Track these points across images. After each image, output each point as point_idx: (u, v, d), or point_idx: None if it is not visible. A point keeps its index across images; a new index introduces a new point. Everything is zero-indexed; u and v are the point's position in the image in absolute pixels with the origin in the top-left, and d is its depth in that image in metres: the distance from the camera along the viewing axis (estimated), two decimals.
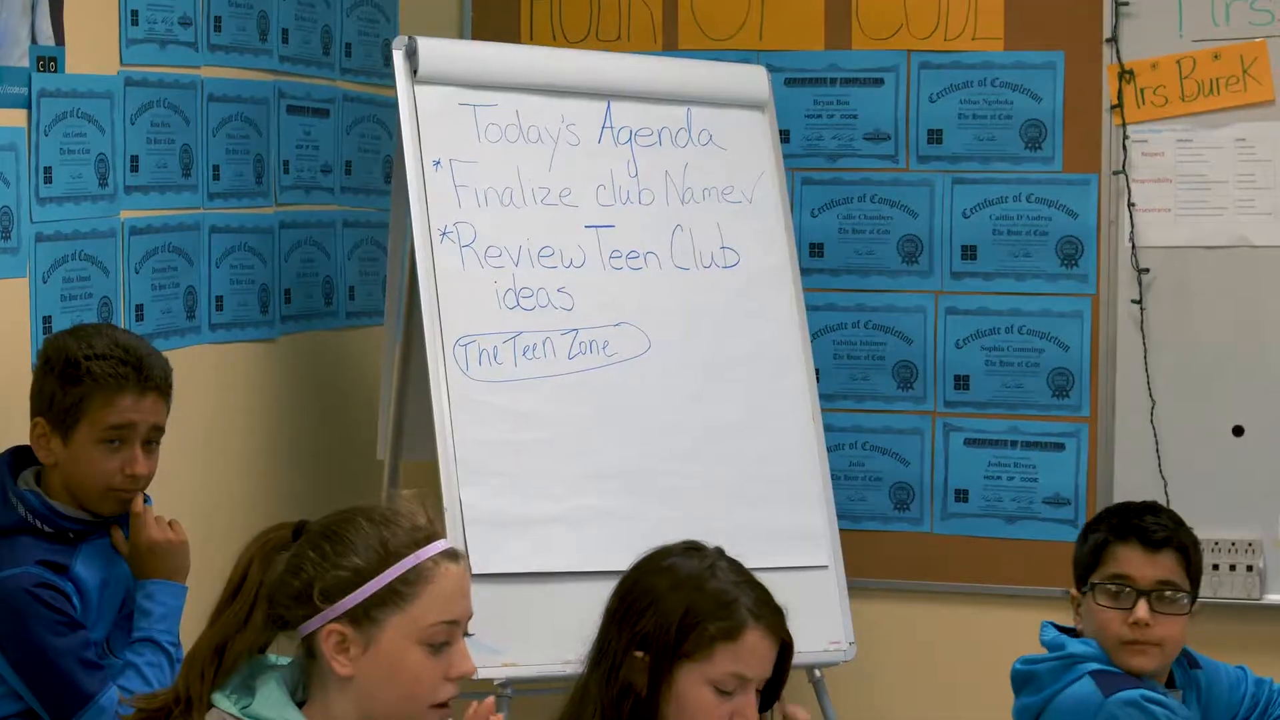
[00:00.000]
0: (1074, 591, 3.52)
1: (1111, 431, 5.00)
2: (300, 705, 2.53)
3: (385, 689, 2.50)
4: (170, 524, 3.46)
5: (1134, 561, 3.43)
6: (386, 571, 2.50)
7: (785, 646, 2.93)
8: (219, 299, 4.43)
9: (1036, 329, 5.06)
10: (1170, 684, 3.49)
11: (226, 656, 2.50)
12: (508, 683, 4.12)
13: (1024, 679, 3.49)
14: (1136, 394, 4.96)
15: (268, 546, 2.56)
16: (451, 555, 2.55)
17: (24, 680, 3.29)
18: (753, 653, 2.88)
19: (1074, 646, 3.44)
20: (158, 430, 3.42)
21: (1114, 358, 4.99)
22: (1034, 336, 5.06)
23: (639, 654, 2.86)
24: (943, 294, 5.12)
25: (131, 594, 3.44)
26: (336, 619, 2.49)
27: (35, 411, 3.38)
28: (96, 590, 3.39)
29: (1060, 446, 5.05)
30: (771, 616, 2.91)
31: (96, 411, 3.34)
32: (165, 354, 3.52)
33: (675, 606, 2.86)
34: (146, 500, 3.50)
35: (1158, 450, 4.94)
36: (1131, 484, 4.95)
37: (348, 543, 2.51)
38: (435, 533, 2.56)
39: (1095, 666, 3.40)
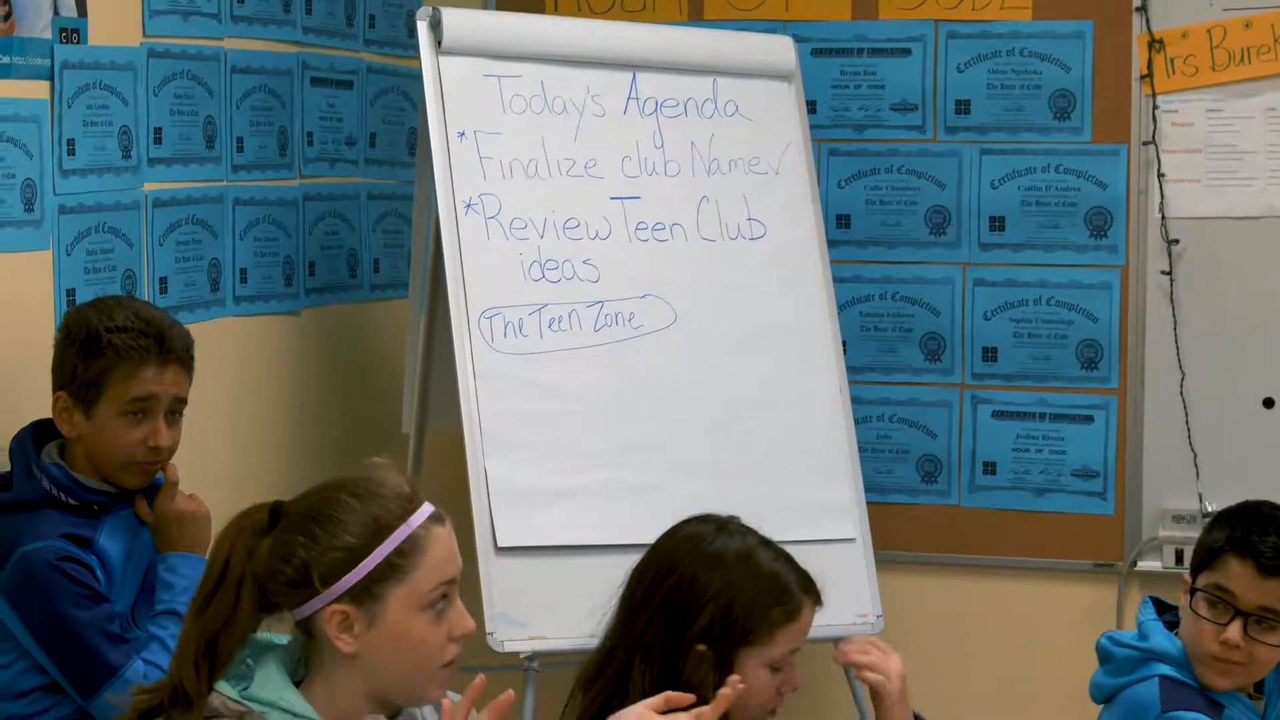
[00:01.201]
0: (1186, 577, 3.39)
1: (1141, 404, 4.97)
2: (298, 684, 2.51)
3: (393, 660, 2.49)
4: (190, 496, 3.46)
5: (1242, 580, 3.28)
6: (381, 546, 2.47)
7: None
8: (243, 271, 4.41)
9: (1065, 300, 5.03)
10: (1258, 689, 3.41)
11: (221, 650, 2.46)
12: (534, 656, 4.11)
13: (1105, 655, 3.42)
14: (1166, 366, 4.93)
15: (247, 531, 2.51)
16: (437, 518, 2.53)
17: (48, 654, 3.29)
18: (805, 627, 2.95)
19: (1157, 640, 3.36)
20: (180, 402, 3.41)
21: (1143, 329, 4.97)
22: (1063, 308, 5.03)
23: (701, 648, 2.85)
24: (971, 265, 5.09)
25: (154, 566, 3.43)
26: (337, 599, 2.46)
27: (57, 385, 3.37)
28: (120, 563, 3.38)
29: (1089, 419, 5.02)
30: (814, 588, 2.96)
31: (118, 384, 3.33)
32: (189, 327, 3.50)
33: (738, 599, 2.89)
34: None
35: (1187, 422, 4.91)
36: (1161, 456, 4.93)
37: (337, 522, 2.48)
38: (417, 499, 2.53)
39: (1167, 671, 3.32)
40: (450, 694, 2.63)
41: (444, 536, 2.52)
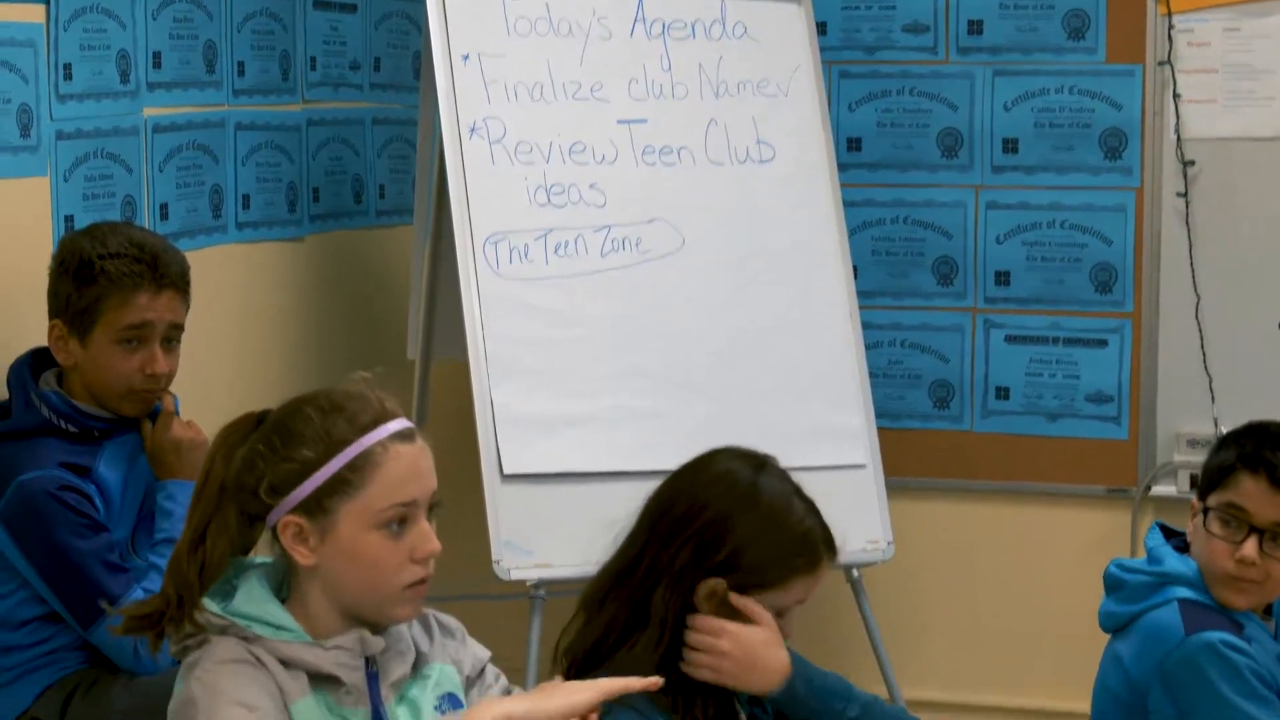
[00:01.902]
0: (1195, 501, 3.36)
1: (1155, 327, 4.93)
2: (284, 602, 2.51)
3: (349, 576, 2.49)
4: (188, 424, 3.43)
5: (1255, 496, 3.25)
6: (332, 461, 2.47)
7: None
8: (245, 198, 4.37)
9: (1079, 223, 4.98)
10: (1267, 611, 3.37)
11: (210, 552, 2.48)
12: (540, 584, 4.09)
13: (1115, 583, 3.39)
14: (1181, 289, 4.88)
15: (229, 440, 2.53)
16: (404, 436, 2.51)
17: (48, 584, 3.27)
18: (819, 581, 2.91)
19: (1170, 564, 3.32)
20: (176, 329, 3.38)
21: (1158, 252, 4.92)
22: (1076, 231, 4.99)
23: (718, 582, 2.84)
24: (983, 188, 5.04)
25: (152, 493, 3.40)
26: (291, 511, 2.47)
27: (52, 313, 3.35)
28: (119, 491, 3.37)
29: (1103, 343, 4.98)
30: (834, 544, 2.93)
31: (112, 311, 3.30)
32: (190, 254, 3.47)
33: (767, 544, 2.86)
34: (174, 401, 3.47)
35: (1202, 346, 4.87)
36: (1176, 381, 4.90)
37: (295, 434, 2.48)
38: (383, 415, 2.51)
39: (1185, 594, 3.28)
40: (432, 613, 2.61)
41: (406, 455, 2.50)
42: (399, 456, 2.48)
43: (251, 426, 2.53)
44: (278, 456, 2.47)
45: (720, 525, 2.86)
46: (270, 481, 2.47)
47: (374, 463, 2.47)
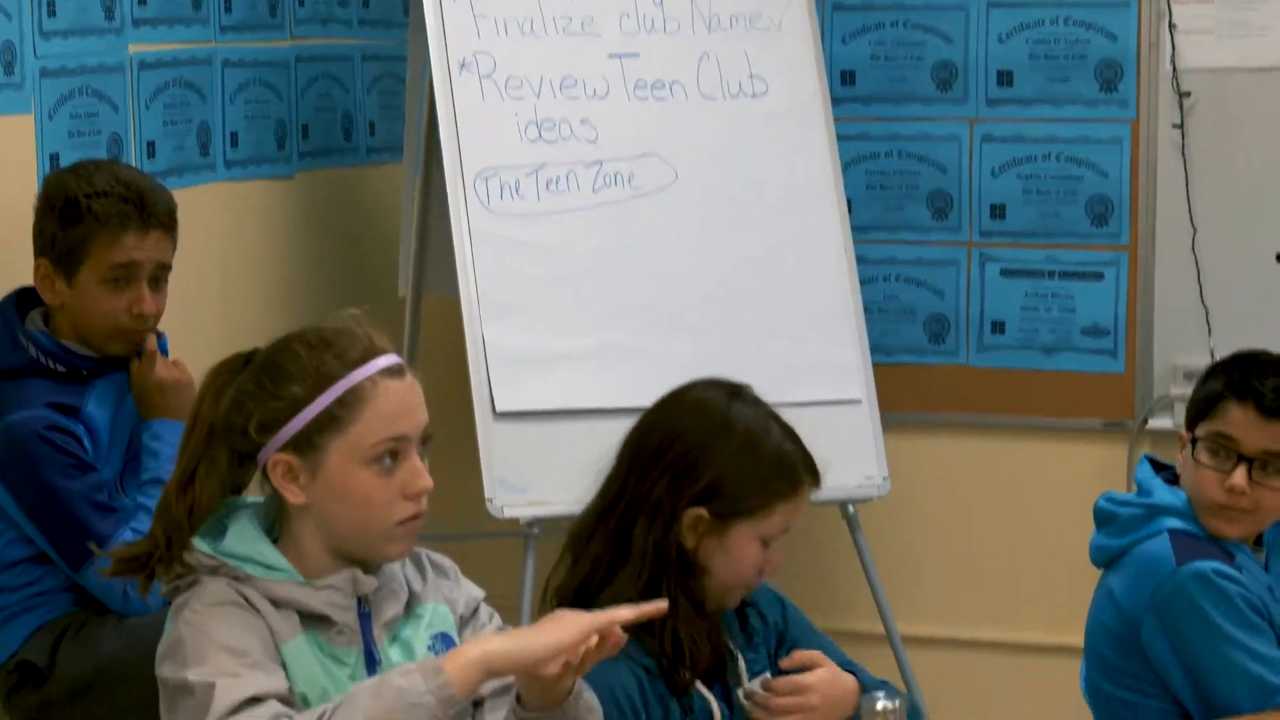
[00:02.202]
0: (1184, 432, 3.35)
1: (1151, 260, 4.90)
2: (275, 542, 2.50)
3: (340, 513, 2.47)
4: (174, 363, 3.41)
5: (1244, 425, 3.24)
6: (320, 397, 2.45)
7: None
8: (234, 135, 4.34)
9: (1075, 156, 4.95)
10: (1257, 542, 3.37)
11: (199, 494, 2.46)
12: (534, 522, 4.08)
13: (1105, 517, 3.38)
14: (1177, 221, 4.86)
15: (217, 381, 2.51)
16: (393, 371, 2.49)
17: (36, 524, 3.26)
18: (802, 507, 2.90)
19: (1160, 496, 3.31)
20: (164, 268, 3.37)
21: (1154, 184, 4.89)
22: (1072, 164, 4.95)
23: (700, 511, 2.82)
24: (978, 121, 5.01)
25: (139, 433, 3.39)
26: (281, 449, 2.46)
27: (38, 252, 3.34)
28: (107, 429, 3.35)
29: (1099, 276, 4.95)
30: (815, 470, 2.92)
31: (99, 251, 3.28)
32: (178, 192, 3.46)
33: (744, 469, 2.86)
34: (162, 340, 3.45)
35: (1199, 279, 4.84)
36: (1172, 313, 4.88)
37: (283, 371, 2.47)
38: (372, 350, 2.49)
39: (1175, 524, 3.27)
40: (425, 552, 2.59)
41: (396, 390, 2.47)
42: (388, 392, 2.46)
43: (240, 366, 2.51)
44: (266, 394, 2.45)
45: (696, 454, 2.86)
46: (259, 419, 2.45)
47: (363, 398, 2.45)
